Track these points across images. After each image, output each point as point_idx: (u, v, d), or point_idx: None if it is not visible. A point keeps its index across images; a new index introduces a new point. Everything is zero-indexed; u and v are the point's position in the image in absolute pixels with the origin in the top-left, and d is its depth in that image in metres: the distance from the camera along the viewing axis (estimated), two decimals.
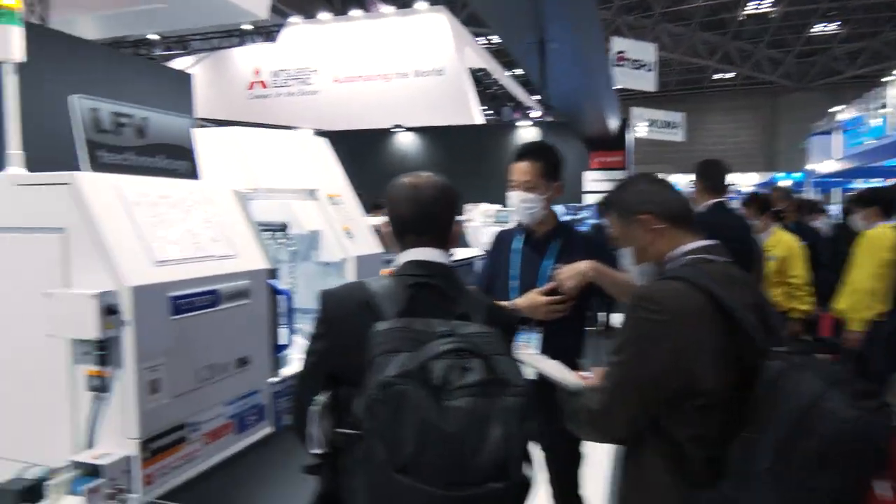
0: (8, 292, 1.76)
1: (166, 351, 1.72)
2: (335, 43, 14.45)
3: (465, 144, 13.94)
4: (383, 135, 14.72)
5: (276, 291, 2.20)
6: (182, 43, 17.10)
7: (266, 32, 15.98)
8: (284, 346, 2.23)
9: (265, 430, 2.15)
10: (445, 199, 1.53)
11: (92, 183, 1.70)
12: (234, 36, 16.63)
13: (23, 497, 1.53)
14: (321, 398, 1.46)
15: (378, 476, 1.18)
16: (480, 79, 15.86)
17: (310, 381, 1.49)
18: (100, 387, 1.65)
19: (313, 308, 3.03)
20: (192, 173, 2.10)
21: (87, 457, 1.60)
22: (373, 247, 3.00)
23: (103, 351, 1.63)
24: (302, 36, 15.10)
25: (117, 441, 1.65)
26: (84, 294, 1.58)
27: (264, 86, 15.63)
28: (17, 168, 1.88)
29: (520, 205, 2.23)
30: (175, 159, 2.05)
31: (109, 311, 1.59)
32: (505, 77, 16.09)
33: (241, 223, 2.17)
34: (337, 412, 1.48)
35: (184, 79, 8.89)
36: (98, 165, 1.77)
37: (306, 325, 2.40)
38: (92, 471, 1.59)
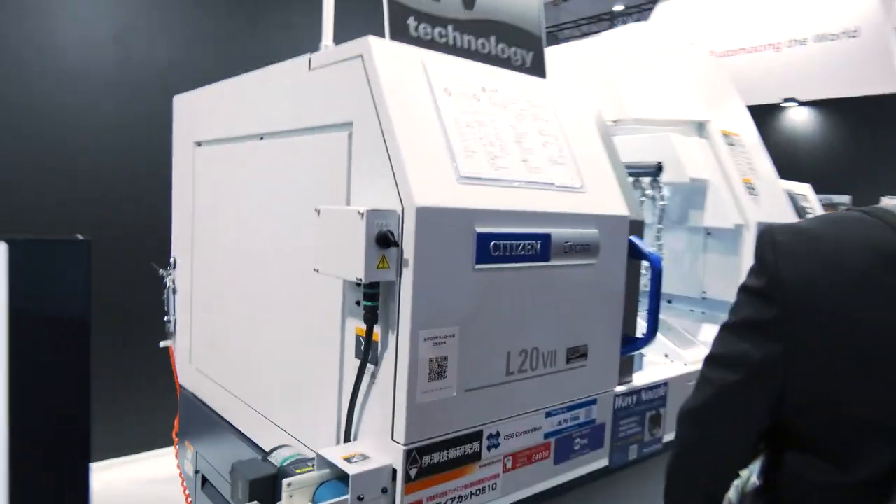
0: (289, 217, 1.36)
1: (462, 316, 1.10)
2: (716, 13, 12.76)
3: (884, 119, 10.89)
4: (769, 111, 12.45)
5: (639, 254, 1.42)
6: (553, 35, 17.29)
7: (638, 11, 15.02)
8: (642, 341, 1.44)
9: (598, 464, 1.40)
10: None
11: (390, 55, 1.16)
12: (604, 20, 16.08)
13: (255, 490, 1.08)
14: (753, 468, 0.64)
15: None
16: None
17: (723, 423, 0.69)
18: (366, 354, 1.11)
19: (683, 296, 2.17)
20: (536, 68, 1.45)
21: (335, 455, 1.07)
22: (784, 212, 1.97)
23: (373, 301, 1.07)
24: (678, 9, 13.78)
25: (378, 442, 1.09)
26: (349, 211, 1.04)
27: None
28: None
29: None
30: (512, 45, 1.41)
31: (384, 240, 1.02)
32: None
33: (597, 147, 1.44)
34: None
35: None
36: (403, 36, 1.23)
37: (670, 317, 1.55)
38: (340, 475, 1.06)
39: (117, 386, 3.27)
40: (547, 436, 1.27)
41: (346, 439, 1.15)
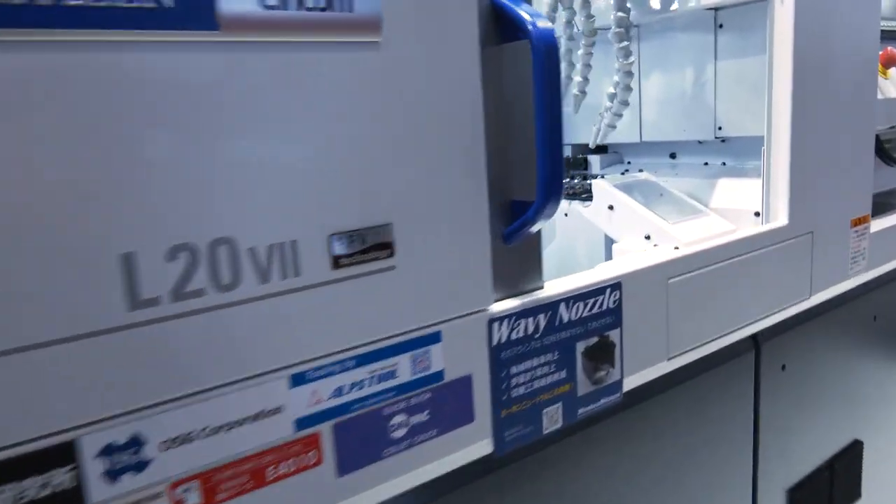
0: None
1: None
2: None
3: None
4: None
5: (511, 25, 0.67)
6: None
7: None
8: (532, 209, 0.70)
9: (467, 453, 0.72)
10: None
11: None
12: None
13: None
14: None
15: None
16: None
17: None
18: None
19: (687, 142, 1.31)
20: None
21: None
22: None
23: None
24: None
25: None
26: None
27: None
28: None
29: None
30: None
31: None
32: None
33: None
34: None
35: None
36: None
37: (669, 178, 0.78)
38: None
39: None
40: (303, 423, 0.60)
41: None
